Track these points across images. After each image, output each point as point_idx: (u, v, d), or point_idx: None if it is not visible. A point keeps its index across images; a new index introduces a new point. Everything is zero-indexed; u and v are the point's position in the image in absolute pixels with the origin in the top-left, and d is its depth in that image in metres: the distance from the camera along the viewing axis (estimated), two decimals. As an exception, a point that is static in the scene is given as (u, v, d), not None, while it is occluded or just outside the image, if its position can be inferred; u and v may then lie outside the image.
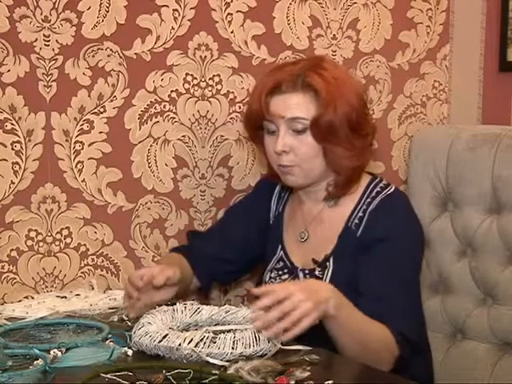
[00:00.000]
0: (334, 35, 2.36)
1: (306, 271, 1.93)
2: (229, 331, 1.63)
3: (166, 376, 1.43)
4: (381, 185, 1.95)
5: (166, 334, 1.58)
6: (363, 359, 1.67)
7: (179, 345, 1.55)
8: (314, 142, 1.86)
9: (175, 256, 2.04)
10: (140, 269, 1.84)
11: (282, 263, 1.99)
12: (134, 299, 1.76)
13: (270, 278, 1.99)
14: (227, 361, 1.53)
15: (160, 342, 1.57)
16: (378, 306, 1.77)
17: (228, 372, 1.47)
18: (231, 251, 2.05)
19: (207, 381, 1.43)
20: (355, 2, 2.37)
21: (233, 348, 1.55)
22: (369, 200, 1.92)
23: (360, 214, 1.91)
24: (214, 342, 1.55)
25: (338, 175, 1.90)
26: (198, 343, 1.55)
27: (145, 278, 1.74)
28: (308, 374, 1.47)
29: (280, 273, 1.98)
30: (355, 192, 1.94)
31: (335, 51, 2.36)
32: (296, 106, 1.86)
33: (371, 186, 1.94)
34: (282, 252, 2.00)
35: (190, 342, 1.54)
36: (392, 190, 1.94)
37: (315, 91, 1.84)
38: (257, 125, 1.94)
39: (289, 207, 2.05)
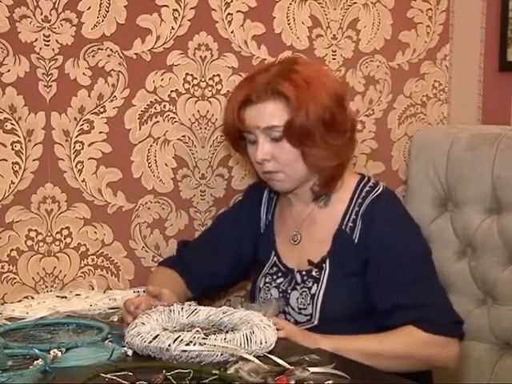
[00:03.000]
0: (334, 35, 2.36)
1: (303, 273, 1.93)
2: (220, 332, 1.63)
3: (165, 376, 1.43)
4: (370, 184, 1.94)
5: (157, 335, 1.58)
6: (405, 368, 1.78)
7: (169, 345, 1.54)
8: (291, 147, 1.86)
9: (167, 274, 2.04)
10: (137, 297, 1.82)
11: (275, 268, 1.99)
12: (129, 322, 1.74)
13: (265, 282, 1.99)
14: (218, 362, 1.52)
15: (150, 342, 1.57)
16: (412, 314, 1.80)
17: (228, 372, 1.47)
18: (222, 266, 2.06)
19: (207, 381, 1.43)
20: (355, 2, 2.37)
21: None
22: (359, 201, 1.92)
23: (353, 216, 1.91)
24: (205, 344, 1.54)
25: (321, 175, 1.91)
26: (187, 344, 1.54)
27: (142, 306, 1.73)
28: (308, 373, 1.47)
29: (274, 277, 1.98)
30: (344, 192, 1.94)
31: (335, 51, 2.36)
32: (269, 114, 1.85)
33: (360, 186, 1.94)
34: (275, 257, 2.00)
35: (180, 343, 1.54)
36: (380, 189, 1.93)
37: (285, 97, 1.84)
38: (237, 136, 1.95)
39: (278, 212, 2.05)
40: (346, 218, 1.92)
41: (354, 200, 1.93)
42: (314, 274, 1.91)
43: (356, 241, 1.89)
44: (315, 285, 1.90)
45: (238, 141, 1.97)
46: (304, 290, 1.91)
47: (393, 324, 1.81)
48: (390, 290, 1.83)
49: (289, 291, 1.93)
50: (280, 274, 1.97)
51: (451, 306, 1.87)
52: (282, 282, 1.96)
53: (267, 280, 1.99)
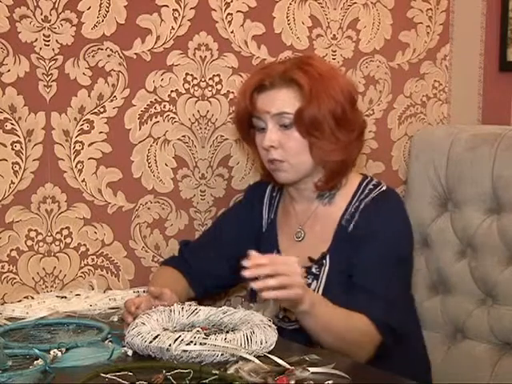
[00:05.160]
0: (334, 35, 2.36)
1: (303, 269, 1.92)
2: (220, 332, 1.63)
3: (165, 376, 1.43)
4: (373, 183, 1.96)
5: (158, 335, 1.58)
6: (340, 350, 1.71)
7: (169, 345, 1.54)
8: (300, 136, 1.88)
9: (169, 274, 2.04)
10: (137, 298, 1.82)
11: None
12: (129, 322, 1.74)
13: None
14: (219, 362, 1.52)
15: (151, 342, 1.57)
16: (361, 297, 1.80)
17: (228, 372, 1.47)
18: (222, 266, 2.05)
19: (207, 381, 1.43)
20: (355, 2, 2.37)
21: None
22: (361, 197, 1.93)
23: (352, 210, 1.93)
24: (205, 344, 1.54)
25: (325, 170, 1.92)
26: (188, 344, 1.54)
27: (142, 306, 1.73)
28: (308, 373, 1.47)
29: None
30: (348, 190, 1.95)
31: (335, 51, 2.36)
32: (281, 101, 1.88)
33: (363, 185, 1.96)
34: None
35: (180, 343, 1.54)
36: (384, 188, 1.96)
37: (299, 86, 1.86)
38: (246, 123, 1.96)
39: (281, 210, 2.05)
40: (346, 214, 1.93)
41: (357, 197, 1.94)
42: (313, 270, 1.92)
43: (349, 230, 1.91)
44: (315, 281, 1.90)
45: (248, 129, 1.98)
46: None
47: (353, 305, 1.79)
48: (362, 273, 1.84)
49: None
50: None
51: (401, 315, 1.86)
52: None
53: None
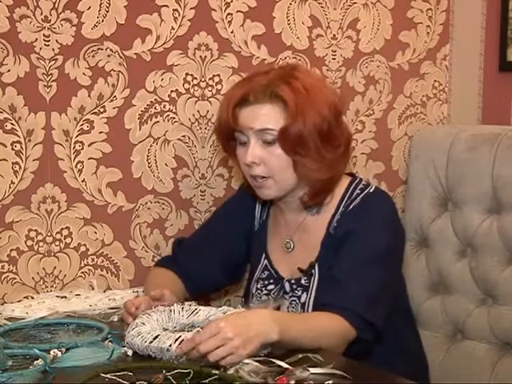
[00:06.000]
0: (334, 35, 2.36)
1: (292, 281, 1.91)
2: None
3: (165, 376, 1.43)
4: (360, 186, 1.91)
5: (158, 335, 1.58)
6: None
7: (170, 346, 1.54)
8: (283, 153, 1.82)
9: (166, 275, 2.02)
10: (137, 298, 1.82)
11: (267, 272, 1.97)
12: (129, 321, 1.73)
13: (257, 289, 1.97)
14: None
15: (151, 342, 1.57)
16: (336, 294, 1.75)
17: (228, 372, 1.47)
18: (217, 265, 2.03)
19: (207, 381, 1.43)
20: (355, 2, 2.37)
21: None
22: (348, 203, 1.89)
23: (339, 217, 1.88)
24: None
25: (309, 187, 1.87)
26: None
27: (142, 307, 1.73)
28: (308, 373, 1.47)
29: (266, 283, 1.96)
30: (335, 198, 1.90)
31: (335, 51, 2.36)
32: (264, 116, 1.82)
33: (351, 189, 1.91)
34: (265, 261, 1.98)
35: (180, 343, 1.54)
36: (371, 190, 1.91)
37: (284, 102, 1.80)
38: (228, 136, 1.92)
39: (272, 214, 2.02)
40: (333, 221, 1.89)
41: (343, 203, 1.89)
42: (303, 282, 1.89)
43: (332, 232, 1.87)
44: (304, 293, 1.88)
45: (228, 141, 1.93)
46: (293, 299, 1.89)
47: (327, 301, 1.76)
48: (339, 271, 1.79)
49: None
50: (272, 281, 1.95)
51: (382, 312, 1.80)
52: (272, 289, 1.94)
53: (259, 286, 1.97)
